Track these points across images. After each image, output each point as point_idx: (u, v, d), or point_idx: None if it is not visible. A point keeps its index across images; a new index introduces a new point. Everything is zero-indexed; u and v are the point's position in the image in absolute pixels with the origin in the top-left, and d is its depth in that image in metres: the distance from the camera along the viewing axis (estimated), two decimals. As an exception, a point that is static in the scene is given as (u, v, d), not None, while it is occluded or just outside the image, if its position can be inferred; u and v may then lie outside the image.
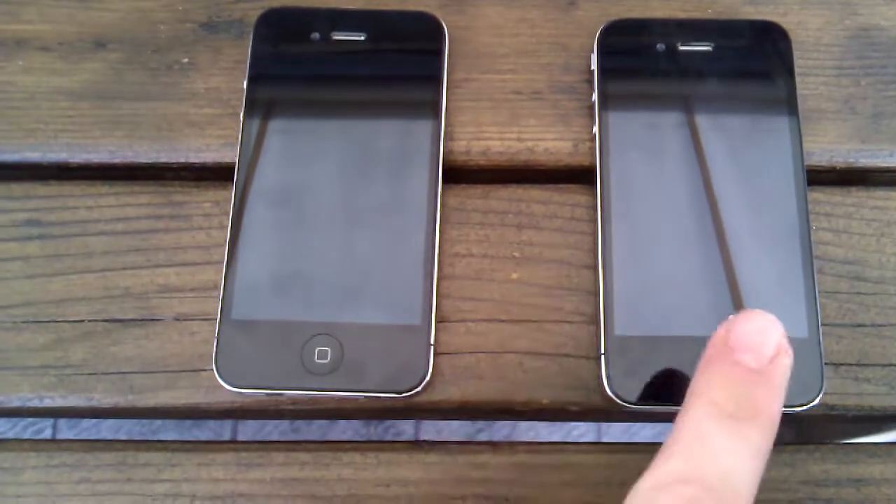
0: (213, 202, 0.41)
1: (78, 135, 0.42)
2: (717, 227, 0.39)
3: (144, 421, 0.99)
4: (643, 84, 0.41)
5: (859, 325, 0.39)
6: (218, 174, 0.41)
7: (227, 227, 0.39)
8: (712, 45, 0.42)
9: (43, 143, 0.42)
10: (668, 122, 0.40)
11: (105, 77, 0.43)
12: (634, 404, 0.36)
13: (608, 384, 0.37)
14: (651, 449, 0.38)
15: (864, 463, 0.38)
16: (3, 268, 0.40)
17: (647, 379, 0.37)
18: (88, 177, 0.42)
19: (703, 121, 0.40)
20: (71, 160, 0.42)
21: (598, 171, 0.40)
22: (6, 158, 0.42)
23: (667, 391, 0.37)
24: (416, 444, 0.39)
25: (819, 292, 0.38)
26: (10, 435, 0.98)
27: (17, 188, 0.41)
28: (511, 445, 0.39)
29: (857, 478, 0.38)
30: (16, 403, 0.38)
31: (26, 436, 1.00)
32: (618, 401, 0.36)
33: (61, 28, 0.44)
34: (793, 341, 0.36)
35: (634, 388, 0.37)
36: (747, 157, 0.40)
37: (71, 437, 1.00)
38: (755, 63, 0.42)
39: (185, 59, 0.43)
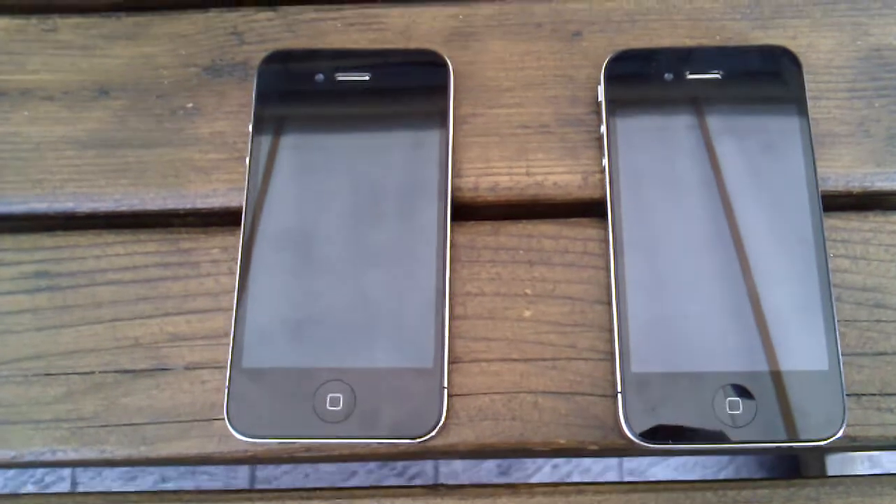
0: (220, 248, 0.41)
1: (84, 184, 0.42)
2: (732, 259, 0.38)
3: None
4: (652, 114, 0.41)
5: (881, 354, 0.38)
6: (225, 219, 0.41)
7: (235, 272, 0.39)
8: (721, 72, 0.41)
9: (49, 193, 0.42)
10: (679, 153, 0.40)
11: (110, 125, 0.43)
12: (653, 443, 0.36)
13: (626, 423, 0.36)
14: (671, 487, 0.38)
15: (888, 496, 0.37)
16: (14, 321, 0.40)
17: (666, 416, 0.36)
18: (95, 226, 0.41)
19: (714, 149, 0.40)
20: (78, 209, 0.41)
21: (609, 203, 0.39)
22: (13, 209, 0.42)
23: (686, 428, 0.36)
24: (433, 489, 0.38)
25: (838, 321, 0.38)
26: (30, 482, 0.98)
27: (24, 240, 0.41)
28: (529, 487, 0.38)
29: (884, 511, 0.37)
30: (29, 458, 0.38)
31: (44, 480, 1.00)
32: (636, 440, 0.36)
33: (65, 77, 0.44)
34: (813, 374, 0.36)
35: (653, 427, 0.36)
36: (761, 185, 0.39)
37: (87, 480, 1.00)
38: (766, 89, 0.41)
39: (190, 104, 0.43)
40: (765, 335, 0.37)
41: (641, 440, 0.36)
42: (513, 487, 0.38)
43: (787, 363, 0.36)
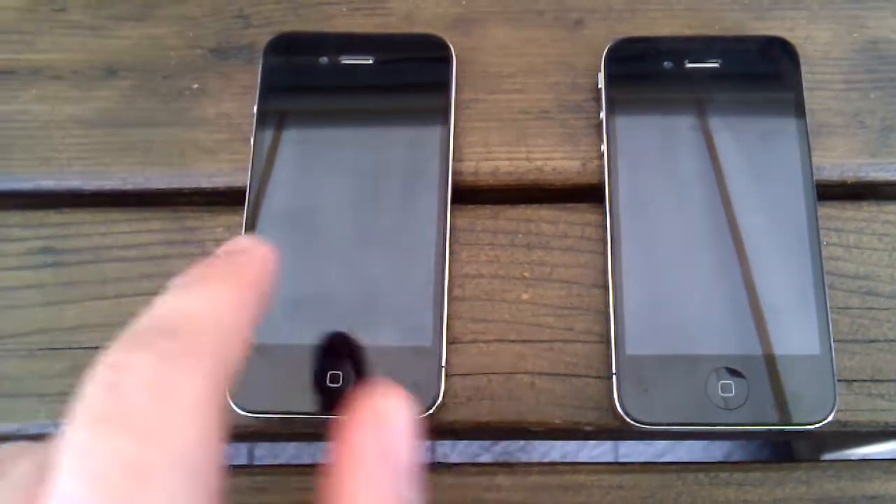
0: (224, 227, 0.41)
1: (91, 162, 0.42)
2: (727, 244, 0.39)
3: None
4: (651, 102, 0.41)
5: (872, 341, 0.39)
6: (230, 199, 0.42)
7: (238, 251, 0.39)
8: (719, 61, 0.42)
9: (56, 170, 0.42)
10: (677, 140, 0.40)
11: (117, 104, 0.43)
12: (647, 424, 0.36)
13: (620, 404, 0.37)
14: (664, 468, 0.38)
15: (878, 479, 0.38)
16: (19, 296, 0.40)
17: (660, 398, 0.37)
18: (102, 204, 0.42)
19: (711, 138, 0.40)
20: (84, 187, 0.42)
21: (607, 189, 0.40)
22: (21, 186, 0.42)
23: (679, 410, 0.36)
24: (431, 467, 0.39)
25: (831, 308, 0.38)
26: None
27: (31, 216, 0.42)
28: (526, 466, 0.39)
29: (872, 494, 0.38)
30: (34, 430, 0.39)
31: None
32: (630, 420, 0.36)
33: (74, 56, 0.44)
34: (805, 359, 0.37)
35: (647, 408, 0.37)
36: (756, 173, 0.40)
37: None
38: (763, 79, 0.42)
39: (196, 85, 0.44)
40: (758, 319, 0.37)
41: (635, 421, 0.36)
42: (509, 466, 0.39)
43: (780, 347, 0.37)
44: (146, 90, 0.44)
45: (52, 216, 0.42)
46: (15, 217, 0.42)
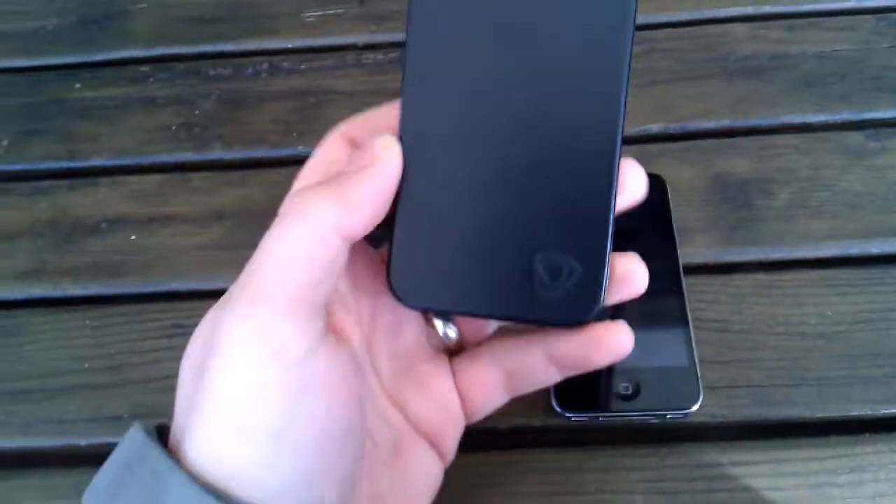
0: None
1: (205, 273, 0.63)
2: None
3: None
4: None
5: (729, 361, 0.55)
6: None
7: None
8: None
9: (182, 278, 0.63)
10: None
11: (223, 237, 0.64)
12: (573, 415, 0.53)
13: (555, 398, 0.53)
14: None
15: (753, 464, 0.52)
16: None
17: (584, 392, 0.53)
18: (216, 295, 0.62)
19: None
20: (201, 288, 0.62)
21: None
22: (159, 289, 0.63)
23: (596, 402, 0.52)
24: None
25: (697, 342, 0.55)
26: None
27: (166, 305, 0.61)
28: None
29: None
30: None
31: None
32: (562, 412, 0.53)
33: (194, 208, 0.65)
34: (677, 368, 0.54)
35: (575, 402, 0.53)
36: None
37: None
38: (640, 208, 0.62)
39: (275, 222, 0.66)
40: (649, 345, 0.54)
41: (566, 411, 0.53)
42: (484, 452, 0.55)
43: (661, 361, 0.54)
44: (243, 228, 0.65)
45: (180, 305, 0.62)
46: (155, 306, 0.62)
